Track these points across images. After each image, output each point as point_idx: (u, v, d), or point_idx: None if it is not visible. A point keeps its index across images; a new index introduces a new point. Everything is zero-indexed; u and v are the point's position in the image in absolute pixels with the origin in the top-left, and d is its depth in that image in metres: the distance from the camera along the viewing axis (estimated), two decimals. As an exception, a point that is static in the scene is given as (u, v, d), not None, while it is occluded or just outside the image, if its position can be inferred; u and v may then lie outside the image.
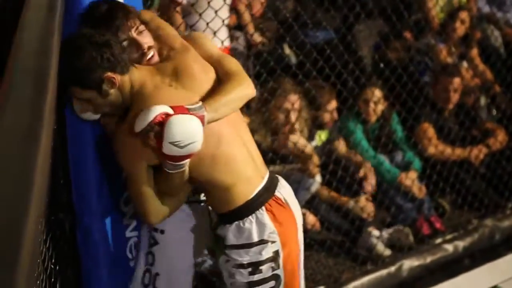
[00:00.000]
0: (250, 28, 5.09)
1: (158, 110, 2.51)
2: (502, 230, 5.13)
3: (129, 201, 3.09)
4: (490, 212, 5.21)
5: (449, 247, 4.89)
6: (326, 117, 4.85)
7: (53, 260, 2.64)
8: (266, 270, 2.79)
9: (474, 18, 5.73)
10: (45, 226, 2.48)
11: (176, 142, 2.50)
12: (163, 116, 2.50)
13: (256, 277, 2.79)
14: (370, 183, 4.87)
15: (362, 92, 5.01)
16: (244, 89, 2.75)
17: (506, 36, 5.81)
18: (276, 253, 2.79)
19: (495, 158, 5.39)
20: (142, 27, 2.70)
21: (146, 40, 2.70)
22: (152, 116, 2.50)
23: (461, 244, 4.94)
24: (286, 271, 2.84)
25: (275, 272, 2.80)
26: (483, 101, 5.75)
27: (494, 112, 5.77)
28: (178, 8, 4.37)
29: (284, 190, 2.88)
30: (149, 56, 2.70)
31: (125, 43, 2.65)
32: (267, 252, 2.77)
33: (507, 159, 5.44)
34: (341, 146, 4.93)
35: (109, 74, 2.55)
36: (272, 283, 2.81)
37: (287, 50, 5.11)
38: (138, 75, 2.65)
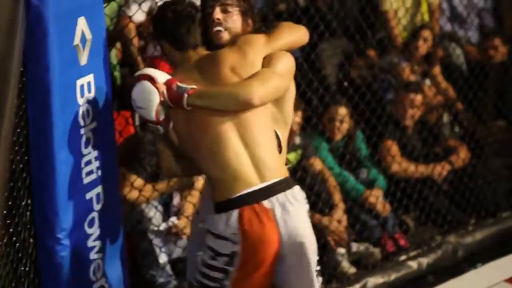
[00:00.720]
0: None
1: (145, 71, 2.96)
2: (465, 246, 5.16)
3: (94, 222, 3.08)
4: (453, 229, 5.23)
5: (413, 264, 4.90)
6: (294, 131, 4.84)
7: (13, 284, 2.63)
8: (220, 261, 2.96)
9: (437, 37, 5.77)
10: (7, 247, 2.47)
11: (133, 101, 2.93)
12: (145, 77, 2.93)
13: (211, 262, 2.98)
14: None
15: (326, 111, 5.04)
16: (240, 93, 2.91)
17: (468, 53, 5.87)
18: (234, 253, 2.94)
19: (457, 175, 5.43)
20: (231, 8, 3.06)
21: (220, 16, 3.03)
22: (139, 73, 2.98)
23: (425, 261, 4.95)
24: (239, 273, 2.96)
25: (226, 267, 2.95)
26: (446, 118, 5.79)
27: (457, 129, 5.82)
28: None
29: (286, 204, 2.96)
30: (214, 29, 3.04)
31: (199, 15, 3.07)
32: (226, 248, 2.94)
33: (469, 176, 5.48)
34: (316, 163, 4.93)
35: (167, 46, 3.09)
36: (220, 275, 2.97)
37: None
38: (188, 56, 3.06)
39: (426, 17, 5.72)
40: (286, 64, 3.06)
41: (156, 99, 2.89)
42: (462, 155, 5.40)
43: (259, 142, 2.98)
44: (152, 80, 2.91)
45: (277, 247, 2.95)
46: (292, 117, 3.23)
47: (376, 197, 5.06)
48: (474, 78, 5.50)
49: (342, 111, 5.04)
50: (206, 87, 2.94)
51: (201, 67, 3.02)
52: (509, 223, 5.45)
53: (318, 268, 3.06)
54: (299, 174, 4.80)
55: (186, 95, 2.86)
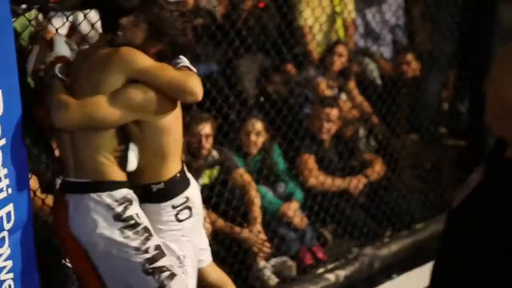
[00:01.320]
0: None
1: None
2: (381, 258, 5.23)
3: (4, 242, 3.03)
4: (370, 241, 5.29)
5: (331, 277, 4.95)
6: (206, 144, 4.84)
7: None
8: None
9: (351, 52, 5.84)
10: None
11: None
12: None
13: None
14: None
15: (243, 125, 5.06)
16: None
17: (382, 68, 5.95)
18: None
19: (373, 188, 5.50)
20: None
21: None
22: None
23: (342, 273, 5.01)
24: None
25: None
26: (361, 132, 5.86)
27: (372, 142, 5.89)
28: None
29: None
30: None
31: None
32: None
33: (384, 189, 5.56)
34: (242, 174, 4.94)
35: None
36: None
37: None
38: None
39: (341, 32, 5.79)
40: (133, 99, 3.07)
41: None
42: (377, 168, 5.48)
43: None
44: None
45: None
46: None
47: (294, 211, 5.10)
48: (387, 93, 5.59)
49: (258, 125, 5.06)
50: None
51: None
52: (423, 235, 5.55)
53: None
54: (217, 188, 4.82)
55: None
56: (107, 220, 3.09)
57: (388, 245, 5.31)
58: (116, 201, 3.09)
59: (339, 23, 5.74)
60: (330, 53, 5.71)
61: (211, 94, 4.76)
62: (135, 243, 3.10)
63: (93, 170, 3.11)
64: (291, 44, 5.26)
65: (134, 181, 3.20)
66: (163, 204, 3.20)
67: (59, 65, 3.11)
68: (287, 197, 5.22)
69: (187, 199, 3.24)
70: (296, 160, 5.31)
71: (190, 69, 3.19)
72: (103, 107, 3.01)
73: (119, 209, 3.09)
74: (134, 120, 3.10)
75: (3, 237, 3.05)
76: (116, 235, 3.09)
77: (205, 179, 4.89)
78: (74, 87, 3.08)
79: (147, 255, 3.11)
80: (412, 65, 5.96)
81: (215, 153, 4.91)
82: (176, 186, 3.23)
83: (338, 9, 5.66)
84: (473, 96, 5.82)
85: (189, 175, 3.33)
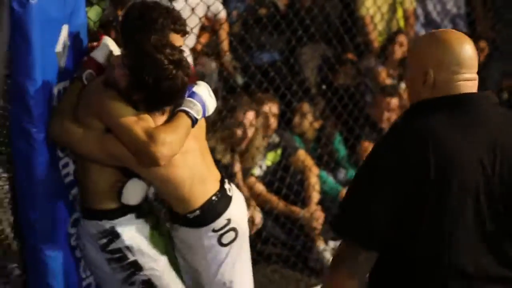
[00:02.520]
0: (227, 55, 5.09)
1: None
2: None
3: (76, 223, 3.08)
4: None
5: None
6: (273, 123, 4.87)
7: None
8: None
9: (412, 41, 5.80)
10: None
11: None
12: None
13: None
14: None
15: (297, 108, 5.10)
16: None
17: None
18: None
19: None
20: None
21: None
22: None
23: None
24: None
25: None
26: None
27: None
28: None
29: None
30: None
31: None
32: None
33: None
34: (302, 157, 4.97)
35: None
36: None
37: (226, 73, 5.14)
38: None
39: (402, 22, 5.76)
40: None
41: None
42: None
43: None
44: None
45: None
46: None
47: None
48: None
49: (305, 107, 5.09)
50: None
51: None
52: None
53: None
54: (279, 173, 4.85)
55: None
56: (94, 248, 3.00)
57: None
58: (100, 232, 2.97)
59: (400, 13, 5.71)
60: (391, 42, 5.68)
61: (275, 81, 4.79)
62: (121, 276, 3.01)
63: (86, 196, 3.00)
64: (353, 33, 5.24)
65: (173, 210, 3.08)
66: (203, 229, 3.02)
67: (89, 70, 2.95)
68: (348, 183, 5.23)
69: (229, 220, 3.04)
70: (356, 147, 5.31)
71: (189, 115, 2.85)
72: (87, 146, 2.84)
73: (102, 241, 2.98)
74: None
75: (77, 218, 3.11)
76: (104, 265, 3.01)
77: (267, 162, 4.93)
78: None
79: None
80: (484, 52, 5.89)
81: (275, 137, 4.94)
82: (214, 209, 3.02)
83: (399, -1, 5.65)
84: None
85: (231, 192, 3.12)
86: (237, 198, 3.15)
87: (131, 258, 2.99)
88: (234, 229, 3.06)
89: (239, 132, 4.62)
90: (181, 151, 2.84)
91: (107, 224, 2.97)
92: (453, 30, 2.51)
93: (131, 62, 2.76)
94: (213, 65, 4.98)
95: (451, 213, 2.35)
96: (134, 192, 3.00)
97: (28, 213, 2.89)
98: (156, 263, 3.06)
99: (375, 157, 2.42)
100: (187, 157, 2.95)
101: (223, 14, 4.77)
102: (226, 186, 3.10)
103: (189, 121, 2.84)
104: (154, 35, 2.86)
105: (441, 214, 2.34)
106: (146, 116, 2.80)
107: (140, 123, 2.75)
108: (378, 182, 2.36)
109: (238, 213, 3.11)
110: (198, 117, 2.87)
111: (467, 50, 2.40)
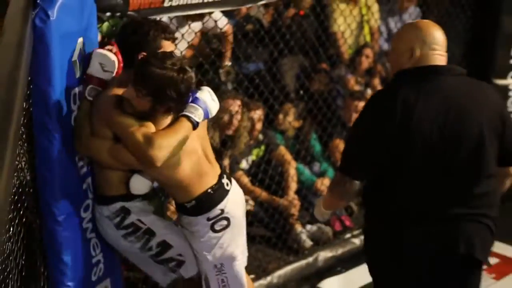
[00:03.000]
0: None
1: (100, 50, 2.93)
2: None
3: (89, 208, 3.08)
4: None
5: (356, 241, 4.93)
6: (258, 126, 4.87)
7: (24, 257, 2.62)
8: None
9: (376, 54, 5.81)
10: (17, 226, 2.47)
11: (100, 66, 2.88)
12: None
13: None
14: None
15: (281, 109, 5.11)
16: None
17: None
18: None
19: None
20: None
21: None
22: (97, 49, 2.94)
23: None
24: None
25: None
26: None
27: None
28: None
29: None
30: None
31: None
32: None
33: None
34: (283, 152, 4.97)
35: None
36: None
37: (223, 78, 5.12)
38: None
39: (368, 38, 5.77)
40: None
41: (116, 63, 2.91)
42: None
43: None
44: (110, 50, 2.91)
45: None
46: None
47: (326, 186, 5.10)
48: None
49: (288, 107, 5.14)
50: None
51: None
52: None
53: None
54: (262, 166, 4.85)
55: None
56: (111, 228, 3.05)
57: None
58: (113, 213, 3.02)
59: (366, 29, 5.71)
60: (358, 54, 5.69)
61: (260, 87, 4.79)
62: (138, 245, 3.05)
63: (100, 186, 3.04)
64: (326, 46, 5.24)
65: (176, 201, 3.08)
66: (199, 217, 3.01)
67: (90, 86, 2.90)
68: (321, 174, 5.24)
69: (222, 211, 3.01)
70: (329, 143, 5.31)
71: (190, 119, 2.81)
72: (102, 156, 2.86)
73: (117, 220, 3.02)
74: None
75: (88, 204, 3.11)
76: (122, 240, 3.06)
77: (253, 157, 4.93)
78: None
79: (152, 252, 3.07)
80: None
81: (260, 136, 4.94)
82: (210, 200, 3.00)
83: (366, 18, 5.64)
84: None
85: (230, 186, 3.07)
86: (235, 192, 3.10)
87: (144, 227, 3.04)
88: (226, 218, 3.02)
89: (226, 117, 4.60)
90: (185, 151, 2.84)
91: (118, 205, 3.01)
92: (430, 21, 2.93)
93: (149, 90, 2.72)
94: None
95: (412, 158, 2.67)
96: (139, 184, 3.00)
97: (48, 199, 2.88)
98: (165, 229, 3.10)
99: (361, 116, 2.80)
100: (192, 157, 2.93)
101: (228, 27, 4.72)
102: (224, 181, 3.06)
103: (189, 125, 2.81)
104: (149, 47, 2.89)
105: (404, 157, 2.67)
106: (148, 124, 2.78)
107: (142, 130, 2.74)
108: (362, 132, 2.77)
109: (233, 205, 3.07)
110: (199, 120, 2.84)
111: (441, 34, 2.84)
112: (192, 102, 2.85)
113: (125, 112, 2.79)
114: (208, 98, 2.90)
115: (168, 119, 2.84)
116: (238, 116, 4.67)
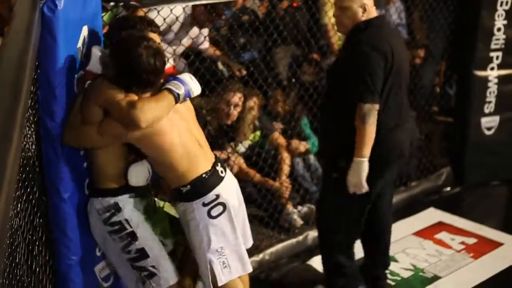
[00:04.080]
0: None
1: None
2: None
3: (89, 186, 3.06)
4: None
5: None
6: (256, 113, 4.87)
7: (30, 232, 2.62)
8: None
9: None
10: (24, 203, 2.46)
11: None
12: None
13: None
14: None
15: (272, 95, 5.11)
16: None
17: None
18: None
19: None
20: None
21: None
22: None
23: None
24: None
25: None
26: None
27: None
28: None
29: None
30: None
31: None
32: None
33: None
34: (278, 137, 4.96)
35: None
36: None
37: (220, 66, 5.12)
38: None
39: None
40: None
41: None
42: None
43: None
44: None
45: None
46: None
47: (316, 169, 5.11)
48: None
49: (277, 94, 5.15)
50: None
51: None
52: (417, 190, 5.53)
53: None
54: (256, 150, 4.84)
55: None
56: (98, 222, 3.00)
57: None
58: (104, 208, 2.96)
59: (355, 21, 5.68)
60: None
61: (254, 75, 4.78)
62: (120, 245, 2.99)
63: (95, 178, 3.00)
64: (317, 37, 5.22)
65: (171, 186, 3.05)
66: (194, 202, 2.96)
67: (88, 82, 2.93)
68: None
69: (218, 196, 2.97)
70: (318, 128, 5.30)
71: (171, 91, 2.84)
72: (92, 137, 2.84)
73: (105, 215, 2.96)
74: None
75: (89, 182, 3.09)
76: (107, 236, 3.00)
77: (248, 141, 4.93)
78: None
79: (130, 256, 3.00)
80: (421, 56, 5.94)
81: (256, 121, 4.94)
82: (204, 185, 2.96)
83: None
84: (459, 82, 5.76)
85: (224, 174, 3.04)
86: (229, 179, 3.08)
87: (129, 229, 2.97)
88: (222, 204, 2.99)
89: (225, 108, 4.60)
90: (169, 122, 2.86)
91: (111, 200, 2.96)
92: None
93: (115, 53, 2.82)
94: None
95: (390, 85, 3.42)
96: (137, 174, 2.99)
97: (53, 177, 2.88)
98: (148, 238, 3.02)
99: (367, 56, 3.36)
100: (181, 134, 2.92)
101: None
102: (219, 168, 3.04)
103: (170, 96, 2.84)
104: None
105: (387, 85, 3.41)
106: (132, 95, 2.81)
107: (126, 98, 2.78)
108: (373, 68, 3.36)
109: (228, 191, 3.03)
110: (180, 93, 2.86)
111: None
112: (172, 80, 2.90)
113: (109, 85, 2.83)
114: (187, 78, 2.94)
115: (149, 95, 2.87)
116: (238, 108, 4.67)
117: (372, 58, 3.33)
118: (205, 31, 4.51)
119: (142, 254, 2.99)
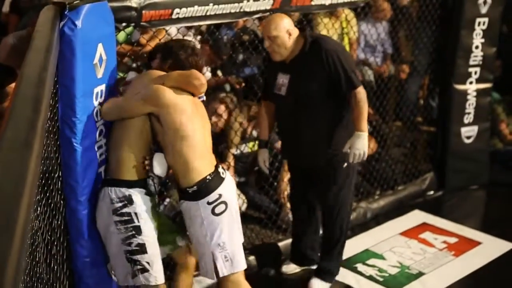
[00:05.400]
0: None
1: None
2: (372, 210, 5.20)
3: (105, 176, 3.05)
4: (364, 197, 5.27)
5: (336, 222, 4.92)
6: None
7: (49, 233, 2.61)
8: None
9: (355, 62, 5.80)
10: (44, 206, 2.46)
11: None
12: None
13: None
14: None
15: None
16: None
17: (376, 72, 5.89)
18: None
19: (368, 160, 5.44)
20: None
21: None
22: None
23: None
24: None
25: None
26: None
27: (368, 127, 5.83)
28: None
29: None
30: None
31: None
32: None
33: (376, 160, 5.53)
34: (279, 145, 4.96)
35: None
36: None
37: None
38: None
39: (347, 48, 5.74)
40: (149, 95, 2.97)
41: None
42: (371, 146, 5.43)
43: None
44: None
45: None
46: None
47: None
48: (380, 91, 5.55)
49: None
50: None
51: None
52: (403, 194, 5.52)
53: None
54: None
55: None
56: (108, 210, 2.93)
57: (377, 201, 5.28)
58: (118, 198, 2.91)
59: (346, 40, 5.69)
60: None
61: (254, 88, 4.78)
62: (122, 236, 2.92)
63: (112, 169, 2.98)
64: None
65: (179, 186, 3.03)
66: (199, 202, 2.97)
67: (123, 87, 3.12)
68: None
69: (220, 195, 2.98)
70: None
71: None
72: (132, 104, 2.97)
73: (118, 205, 2.90)
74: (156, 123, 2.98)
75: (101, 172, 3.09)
76: (111, 226, 2.92)
77: (248, 149, 4.93)
78: None
79: (129, 248, 2.92)
80: (406, 71, 5.95)
81: (255, 132, 4.93)
82: (209, 185, 2.96)
83: (345, 30, 5.61)
84: (441, 95, 5.77)
85: (225, 175, 3.06)
86: (229, 180, 3.09)
87: (136, 223, 2.92)
88: (224, 202, 2.99)
89: (214, 118, 4.60)
90: (192, 109, 3.00)
91: (126, 192, 2.92)
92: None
93: (165, 49, 3.13)
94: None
95: None
96: (160, 163, 2.98)
97: (71, 182, 2.89)
98: (152, 233, 2.99)
99: (345, 52, 3.74)
100: (196, 133, 2.98)
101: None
102: (220, 170, 3.06)
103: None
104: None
105: None
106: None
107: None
108: (351, 59, 3.75)
109: (229, 191, 3.05)
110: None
111: None
112: None
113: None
114: None
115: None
116: (223, 118, 4.67)
117: (347, 54, 3.72)
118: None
119: (142, 249, 2.93)
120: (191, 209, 3.00)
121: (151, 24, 3.29)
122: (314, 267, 4.25)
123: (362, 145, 3.58)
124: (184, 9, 3.37)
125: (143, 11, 3.22)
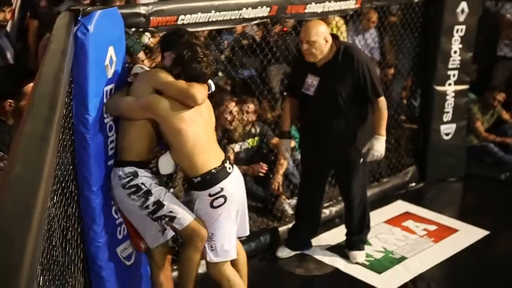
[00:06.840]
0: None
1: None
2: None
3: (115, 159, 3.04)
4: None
5: (326, 211, 4.92)
6: (250, 116, 4.83)
7: (65, 219, 2.61)
8: None
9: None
10: (60, 195, 2.45)
11: None
12: None
13: None
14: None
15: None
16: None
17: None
18: None
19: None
20: None
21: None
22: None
23: (333, 209, 4.98)
24: None
25: None
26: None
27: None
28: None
29: None
30: None
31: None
32: None
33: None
34: (275, 140, 4.94)
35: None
36: None
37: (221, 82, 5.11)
38: None
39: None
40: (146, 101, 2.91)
41: None
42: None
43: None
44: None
45: None
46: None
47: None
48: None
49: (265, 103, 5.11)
50: None
51: None
52: (387, 185, 5.52)
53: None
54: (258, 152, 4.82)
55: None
56: (119, 187, 2.94)
57: (364, 191, 5.26)
58: (125, 174, 2.92)
59: (337, 45, 5.67)
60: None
61: (252, 89, 4.77)
62: (138, 203, 2.93)
63: (122, 152, 2.97)
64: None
65: (187, 177, 3.03)
66: (202, 192, 2.95)
67: (130, 78, 3.03)
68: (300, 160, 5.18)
69: (222, 189, 2.94)
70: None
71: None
72: (130, 107, 2.89)
73: (125, 180, 2.92)
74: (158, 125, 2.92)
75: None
76: (126, 198, 2.94)
77: (247, 145, 4.91)
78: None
79: (149, 210, 2.92)
80: (390, 74, 5.95)
81: (253, 129, 4.91)
82: (212, 178, 2.93)
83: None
84: (422, 95, 5.76)
85: (231, 170, 3.00)
86: (236, 175, 3.05)
87: (145, 188, 2.93)
88: (224, 196, 2.96)
89: (228, 116, 4.57)
90: (189, 113, 2.91)
91: (131, 169, 2.94)
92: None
93: (177, 49, 2.95)
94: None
95: None
96: (167, 163, 2.97)
97: (84, 173, 2.88)
98: (160, 191, 2.96)
99: (369, 63, 3.78)
100: (196, 130, 2.93)
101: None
102: (227, 165, 3.01)
103: (206, 85, 3.01)
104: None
105: None
106: (181, 81, 2.93)
107: (180, 81, 2.92)
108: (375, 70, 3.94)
109: (232, 186, 3.00)
110: (211, 83, 3.04)
111: None
112: None
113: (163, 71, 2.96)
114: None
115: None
116: (236, 114, 4.65)
117: (373, 66, 3.82)
118: None
119: (159, 205, 2.92)
120: (196, 198, 3.00)
121: (159, 29, 3.28)
122: (307, 251, 4.26)
123: (381, 147, 3.80)
124: (188, 16, 3.37)
125: (151, 17, 3.21)
